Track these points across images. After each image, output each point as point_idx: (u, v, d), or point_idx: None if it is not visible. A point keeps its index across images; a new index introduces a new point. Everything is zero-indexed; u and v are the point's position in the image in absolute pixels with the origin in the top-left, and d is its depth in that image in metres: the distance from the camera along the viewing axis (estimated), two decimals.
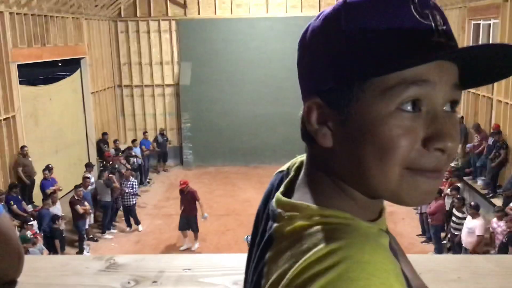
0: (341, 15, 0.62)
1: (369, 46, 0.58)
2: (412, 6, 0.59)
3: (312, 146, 0.67)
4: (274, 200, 0.67)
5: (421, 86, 0.58)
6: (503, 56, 0.59)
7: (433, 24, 0.59)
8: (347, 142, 0.61)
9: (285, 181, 0.72)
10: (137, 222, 11.85)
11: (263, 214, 0.73)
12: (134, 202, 11.88)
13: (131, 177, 12.14)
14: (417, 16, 0.59)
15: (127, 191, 11.77)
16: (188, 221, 10.68)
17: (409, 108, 0.58)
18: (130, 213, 11.87)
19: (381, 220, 0.68)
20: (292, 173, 0.73)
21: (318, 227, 0.58)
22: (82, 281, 1.00)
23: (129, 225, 11.89)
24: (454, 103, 0.62)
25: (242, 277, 0.73)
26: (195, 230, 10.74)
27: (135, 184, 11.95)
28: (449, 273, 0.98)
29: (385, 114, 0.58)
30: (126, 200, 11.82)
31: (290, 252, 0.57)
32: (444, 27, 0.60)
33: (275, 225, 0.62)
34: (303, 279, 0.53)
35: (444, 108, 0.61)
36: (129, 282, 0.98)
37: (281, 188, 0.69)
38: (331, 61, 0.61)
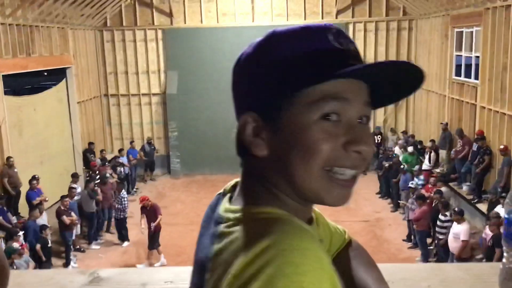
0: (271, 43, 0.74)
1: (292, 67, 0.70)
2: (329, 36, 0.71)
3: (247, 159, 0.77)
4: (219, 210, 0.76)
5: (340, 101, 0.70)
6: (403, 72, 0.71)
7: (347, 49, 0.72)
8: (278, 149, 0.72)
9: (225, 197, 0.81)
10: (125, 238, 11.72)
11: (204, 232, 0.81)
12: (123, 216, 11.75)
13: (123, 190, 12.06)
14: (334, 43, 0.71)
15: (117, 206, 11.70)
16: (156, 237, 10.63)
17: (330, 118, 0.70)
18: (121, 227, 11.78)
19: (313, 225, 0.78)
20: (228, 191, 0.84)
21: (254, 223, 0.67)
22: None
23: (121, 239, 11.80)
24: (366, 117, 0.74)
25: None
26: (158, 245, 10.74)
27: (125, 200, 11.69)
28: (420, 281, 1.02)
29: (310, 122, 0.70)
30: (117, 214, 11.78)
31: (230, 249, 0.65)
32: (357, 53, 0.73)
33: (220, 225, 0.71)
34: (256, 266, 0.60)
35: (359, 120, 0.73)
36: None
37: (225, 201, 0.79)
38: (264, 82, 0.73)
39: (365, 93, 0.73)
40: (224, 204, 0.77)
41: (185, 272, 1.11)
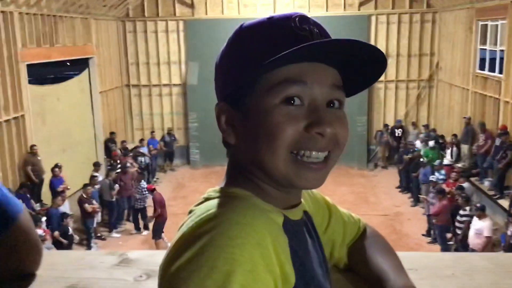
0: (237, 36, 0.78)
1: (255, 53, 0.73)
2: (292, 23, 0.73)
3: (227, 147, 0.80)
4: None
5: (299, 85, 0.71)
6: (365, 55, 0.72)
7: (309, 34, 0.72)
8: (247, 137, 0.74)
9: None
10: (146, 227, 11.86)
11: None
12: (143, 205, 11.81)
13: (142, 180, 12.14)
14: (296, 30, 0.72)
15: (137, 196, 11.81)
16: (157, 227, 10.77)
17: (291, 102, 0.71)
18: (141, 216, 11.89)
19: (292, 210, 0.78)
20: None
21: (213, 201, 0.70)
22: (97, 274, 1.06)
23: (137, 228, 11.94)
24: (338, 101, 0.75)
25: None
26: (159, 237, 10.82)
27: (145, 190, 11.73)
28: (443, 269, 1.03)
29: (272, 106, 0.71)
30: (136, 203, 11.87)
31: (187, 226, 0.67)
32: (321, 38, 0.73)
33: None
34: (192, 236, 0.63)
35: (330, 105, 0.74)
36: (141, 276, 1.04)
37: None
38: (229, 71, 0.77)
39: (332, 76, 0.73)
40: (208, 190, 0.80)
41: None
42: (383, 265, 0.89)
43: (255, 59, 0.71)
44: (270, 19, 0.76)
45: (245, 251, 0.60)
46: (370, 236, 0.97)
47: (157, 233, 10.80)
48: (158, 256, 1.12)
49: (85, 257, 1.14)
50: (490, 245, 9.13)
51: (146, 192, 11.72)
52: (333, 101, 0.74)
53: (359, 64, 0.74)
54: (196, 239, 0.62)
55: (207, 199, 0.73)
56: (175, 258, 0.62)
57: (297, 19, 0.74)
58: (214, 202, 0.69)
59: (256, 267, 0.60)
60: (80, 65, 14.13)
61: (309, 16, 0.76)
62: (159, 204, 10.78)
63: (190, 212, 0.73)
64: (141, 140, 15.28)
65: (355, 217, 1.00)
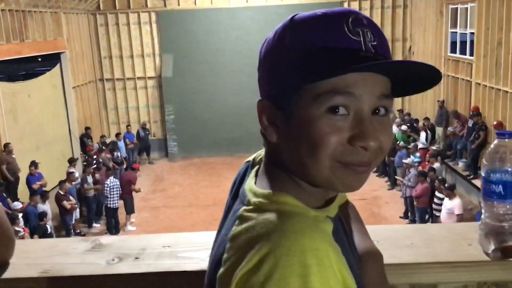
0: (287, 32, 0.74)
1: (304, 59, 0.70)
2: (345, 26, 0.70)
3: (267, 141, 0.78)
4: (246, 186, 0.78)
5: (345, 96, 0.69)
6: (419, 71, 0.71)
7: (362, 40, 0.70)
8: (289, 138, 0.73)
9: (253, 171, 0.83)
10: (114, 229, 11.36)
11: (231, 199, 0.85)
12: (114, 206, 11.22)
13: (111, 178, 11.48)
14: (349, 34, 0.70)
15: (105, 194, 11.22)
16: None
17: (337, 111, 0.69)
18: (108, 215, 11.44)
19: (330, 207, 0.78)
20: (257, 163, 0.86)
21: (271, 214, 0.68)
22: (70, 260, 1.08)
23: (109, 229, 11.33)
24: (384, 108, 0.73)
25: None
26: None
27: (112, 188, 11.14)
28: (403, 239, 1.08)
29: (317, 115, 0.69)
30: (107, 201, 11.27)
31: (245, 236, 0.67)
32: (375, 43, 0.71)
33: (242, 207, 0.73)
34: (264, 264, 0.62)
35: (376, 111, 0.72)
36: (113, 259, 1.07)
37: (251, 177, 0.81)
38: (276, 71, 0.74)
39: (382, 85, 0.71)
40: (250, 181, 0.78)
41: (183, 238, 1.16)
42: (353, 230, 0.93)
43: (306, 65, 0.70)
44: (324, 17, 0.72)
45: (322, 278, 0.61)
46: (351, 205, 1.00)
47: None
48: (130, 241, 1.15)
49: (58, 244, 1.16)
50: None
51: (114, 190, 11.18)
52: (379, 108, 0.72)
53: (412, 75, 0.73)
54: (272, 267, 0.61)
55: (259, 207, 0.71)
56: (248, 278, 0.63)
57: (350, 20, 0.71)
58: (274, 219, 0.67)
59: None
60: (52, 60, 13.90)
61: (362, 14, 0.74)
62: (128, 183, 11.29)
63: (241, 217, 0.71)
64: (118, 135, 15.15)
65: None
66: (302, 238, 0.63)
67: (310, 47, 0.70)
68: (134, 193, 11.56)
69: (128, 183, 11.28)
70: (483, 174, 0.99)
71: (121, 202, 11.39)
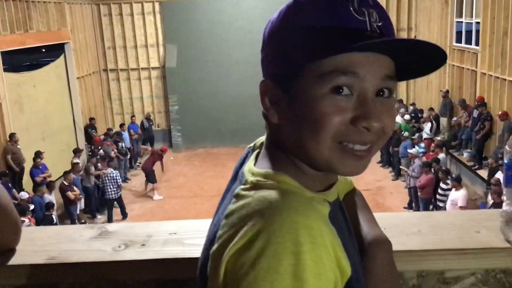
0: (291, 12, 0.73)
1: (308, 38, 0.69)
2: (350, 5, 0.69)
3: (268, 123, 0.78)
4: (245, 168, 0.77)
5: (349, 76, 0.68)
6: (424, 51, 0.70)
7: (367, 20, 0.69)
8: (291, 119, 0.72)
9: (253, 154, 0.83)
10: (124, 215, 11.59)
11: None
12: (113, 196, 11.32)
13: (109, 169, 11.49)
14: (354, 14, 0.69)
15: (105, 186, 11.23)
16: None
17: (340, 91, 0.68)
18: (119, 206, 11.53)
19: (329, 192, 0.77)
20: (258, 147, 0.85)
21: (267, 192, 0.68)
22: (76, 247, 1.08)
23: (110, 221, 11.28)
24: (388, 90, 0.72)
25: None
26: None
27: (115, 180, 11.27)
28: (410, 227, 1.08)
29: (320, 95, 0.69)
30: (106, 193, 11.34)
31: (240, 213, 0.67)
32: (380, 24, 0.70)
33: (240, 186, 0.73)
34: (257, 239, 0.62)
35: (382, 93, 0.71)
36: (119, 246, 1.07)
37: (251, 159, 0.80)
38: (280, 51, 0.73)
39: (386, 66, 0.70)
40: (250, 163, 0.78)
41: (188, 225, 1.16)
42: (360, 218, 0.92)
43: (309, 43, 0.68)
44: None
45: (315, 256, 0.61)
46: (358, 193, 1.00)
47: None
48: (136, 228, 1.15)
49: (64, 231, 1.16)
50: None
51: (115, 181, 11.27)
52: (383, 90, 0.71)
53: (417, 56, 0.71)
54: (265, 244, 0.61)
55: (256, 185, 0.70)
56: (240, 255, 0.62)
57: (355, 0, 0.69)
58: (269, 197, 0.66)
59: (325, 270, 0.61)
60: (56, 50, 13.89)
61: None
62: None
63: (238, 195, 0.70)
64: (122, 125, 15.17)
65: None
66: (296, 216, 0.63)
67: (314, 26, 0.69)
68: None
69: (151, 159, 12.87)
70: (506, 161, 0.97)
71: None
